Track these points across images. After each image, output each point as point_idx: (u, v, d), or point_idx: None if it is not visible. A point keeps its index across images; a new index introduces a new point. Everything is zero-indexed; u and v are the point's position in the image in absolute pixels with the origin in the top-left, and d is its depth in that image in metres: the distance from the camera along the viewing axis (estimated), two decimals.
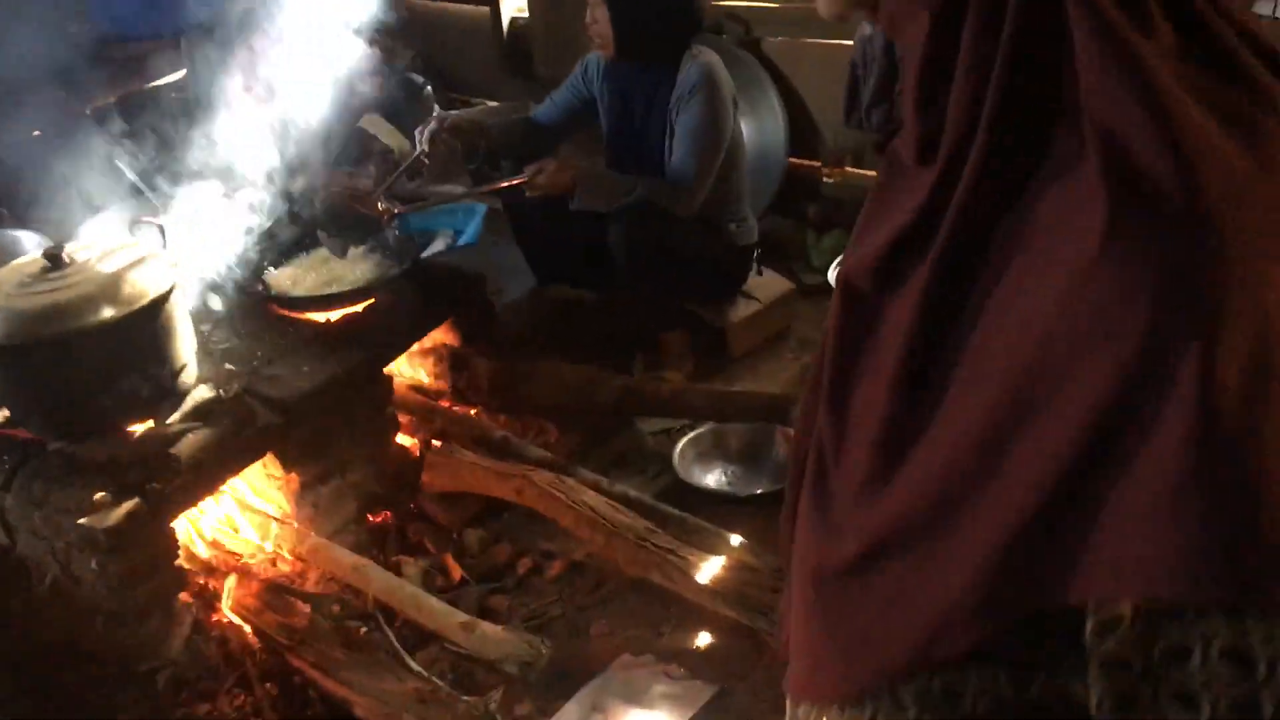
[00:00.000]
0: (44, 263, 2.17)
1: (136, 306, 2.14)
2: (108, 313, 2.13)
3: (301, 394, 2.37)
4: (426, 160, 2.83)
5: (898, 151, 0.79)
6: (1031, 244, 0.69)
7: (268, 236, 2.79)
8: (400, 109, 3.94)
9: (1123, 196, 0.64)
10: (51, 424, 2.19)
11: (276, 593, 2.22)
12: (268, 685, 2.14)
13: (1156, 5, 0.68)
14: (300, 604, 2.20)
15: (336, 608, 2.21)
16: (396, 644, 2.17)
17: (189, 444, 2.18)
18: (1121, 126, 0.65)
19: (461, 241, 3.86)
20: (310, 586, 2.33)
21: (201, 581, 2.29)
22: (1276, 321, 0.63)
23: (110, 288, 2.15)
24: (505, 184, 2.86)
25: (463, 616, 2.20)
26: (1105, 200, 0.64)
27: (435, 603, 2.24)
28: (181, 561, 2.23)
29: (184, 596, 2.24)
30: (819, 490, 0.82)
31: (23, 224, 2.86)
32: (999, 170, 0.70)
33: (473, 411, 2.85)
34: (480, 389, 2.76)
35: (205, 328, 2.57)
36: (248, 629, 2.22)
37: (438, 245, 3.91)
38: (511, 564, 2.46)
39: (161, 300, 2.19)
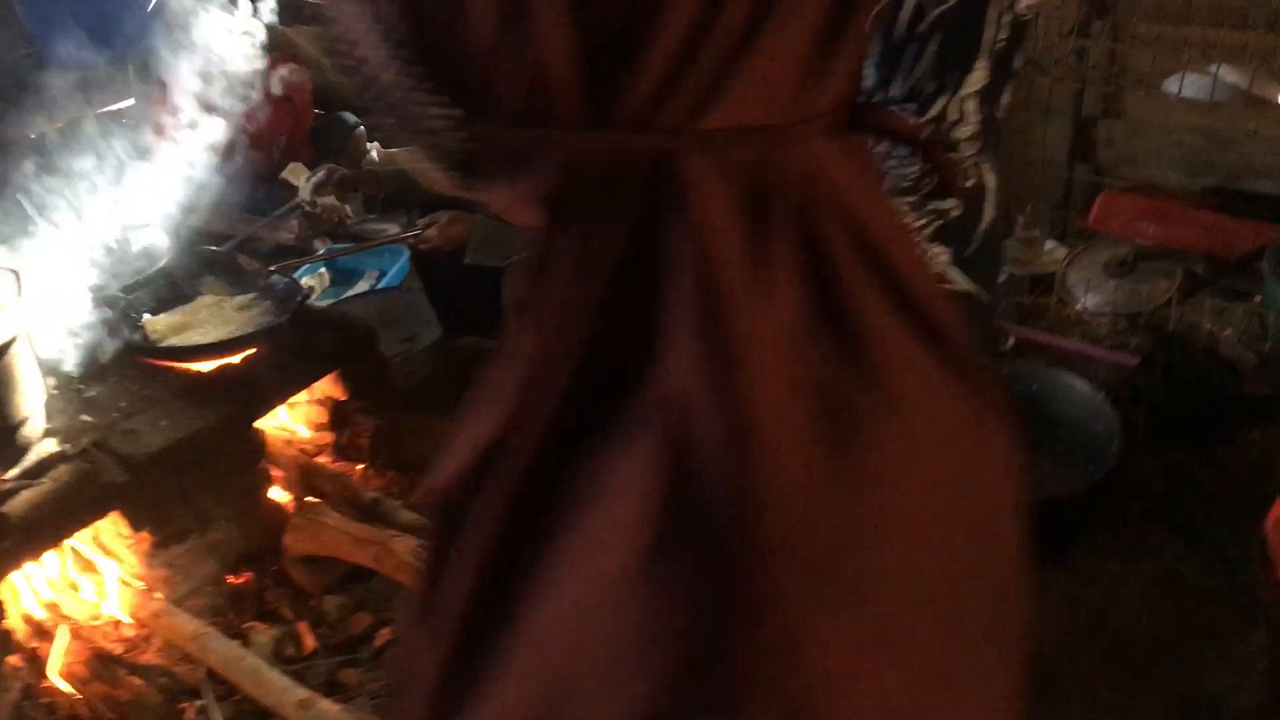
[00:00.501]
0: None
1: None
2: None
3: (155, 450, 2.28)
4: (309, 210, 2.75)
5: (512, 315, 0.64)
6: (586, 513, 0.56)
7: (150, 281, 2.71)
8: (330, 149, 3.86)
9: (674, 503, 0.51)
10: None
11: (104, 662, 2.12)
12: None
13: (788, 252, 0.54)
14: (127, 675, 2.10)
15: (165, 680, 2.10)
16: None
17: (21, 502, 2.09)
18: (691, 411, 0.51)
19: (383, 284, 3.77)
20: (153, 654, 2.23)
21: (34, 645, 2.18)
22: (819, 694, 0.50)
23: None
24: (400, 236, 2.78)
25: (301, 693, 2.08)
26: (655, 502, 0.51)
27: (275, 677, 2.13)
28: (11, 623, 2.14)
29: (13, 660, 2.14)
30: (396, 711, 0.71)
31: None
32: (580, 395, 0.56)
33: (359, 468, 2.75)
34: (361, 446, 2.67)
35: (74, 375, 2.49)
36: (79, 697, 2.12)
37: (361, 286, 3.82)
38: (370, 634, 2.35)
39: None
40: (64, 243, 2.75)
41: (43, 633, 2.21)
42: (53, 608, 2.26)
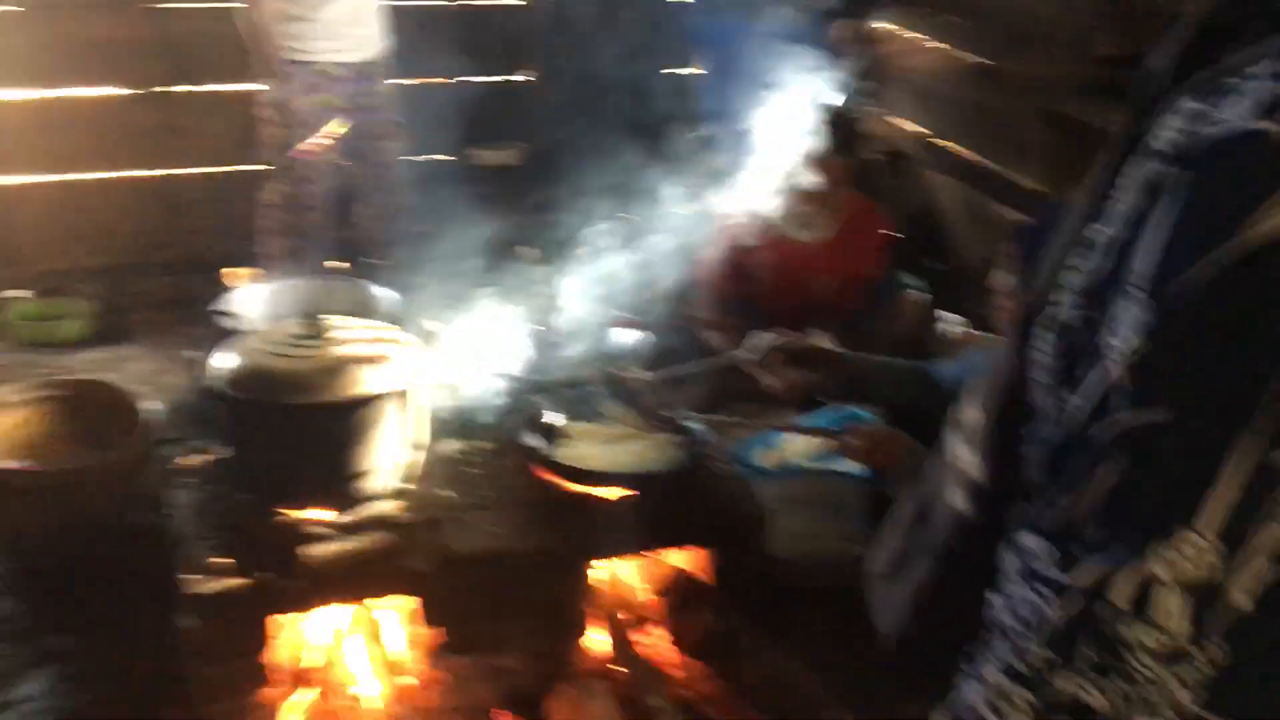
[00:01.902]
0: (301, 329, 2.22)
1: (333, 399, 2.10)
2: (314, 396, 2.11)
3: (464, 552, 2.17)
4: (747, 368, 2.43)
5: None
6: None
7: (572, 382, 2.62)
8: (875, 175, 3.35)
9: None
10: None
11: None
12: None
13: None
14: None
15: None
16: None
17: (321, 549, 2.08)
18: None
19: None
20: None
21: (287, 686, 2.18)
22: None
23: (324, 372, 2.13)
24: (813, 430, 2.39)
25: None
26: None
27: None
28: (274, 659, 2.14)
29: (263, 694, 2.15)
30: None
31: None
32: None
33: (692, 662, 2.39)
34: (686, 642, 2.31)
35: (477, 448, 2.47)
36: None
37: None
38: None
39: (360, 402, 2.12)
40: (545, 316, 2.79)
41: (298, 678, 2.20)
42: (322, 660, 2.24)
